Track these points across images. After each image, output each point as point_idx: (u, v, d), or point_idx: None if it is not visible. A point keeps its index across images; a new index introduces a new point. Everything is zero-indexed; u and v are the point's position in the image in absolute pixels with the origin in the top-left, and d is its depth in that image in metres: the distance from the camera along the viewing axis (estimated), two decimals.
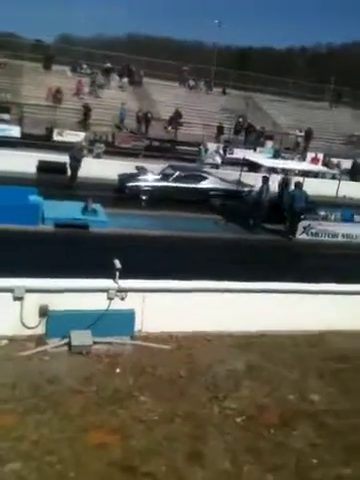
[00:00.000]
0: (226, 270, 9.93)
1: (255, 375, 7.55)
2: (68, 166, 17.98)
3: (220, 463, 5.66)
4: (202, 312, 8.39)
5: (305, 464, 5.84)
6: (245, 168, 19.23)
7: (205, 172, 19.09)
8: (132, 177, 17.89)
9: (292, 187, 16.34)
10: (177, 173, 17.86)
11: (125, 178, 17.77)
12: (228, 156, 25.72)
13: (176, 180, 17.68)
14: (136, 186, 17.35)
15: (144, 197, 17.19)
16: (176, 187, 17.45)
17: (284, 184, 17.70)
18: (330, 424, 6.61)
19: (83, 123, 26.84)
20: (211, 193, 18.01)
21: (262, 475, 5.56)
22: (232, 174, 19.67)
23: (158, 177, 17.84)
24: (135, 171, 18.79)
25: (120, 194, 17.20)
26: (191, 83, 36.55)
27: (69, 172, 18.00)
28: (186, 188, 17.59)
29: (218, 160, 24.16)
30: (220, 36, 74.60)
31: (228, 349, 8.18)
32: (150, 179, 17.70)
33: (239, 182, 18.67)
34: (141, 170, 18.82)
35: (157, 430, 6.02)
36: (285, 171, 18.78)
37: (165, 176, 17.85)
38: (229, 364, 7.73)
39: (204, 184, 18.06)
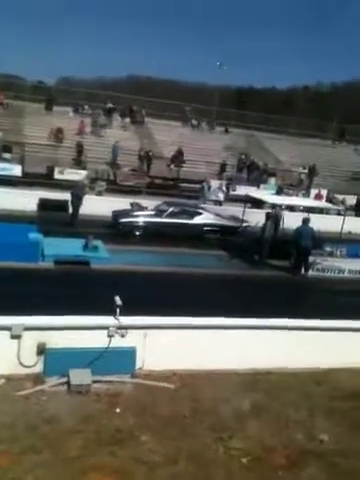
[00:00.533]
0: (231, 306, 9.75)
1: (261, 414, 7.33)
2: (70, 203, 18.04)
3: None
4: (206, 349, 8.22)
5: None
6: (248, 205, 19.22)
7: (199, 208, 19.11)
8: (125, 213, 17.92)
9: (294, 223, 16.18)
10: (171, 209, 17.90)
11: (118, 214, 17.79)
12: (231, 193, 25.83)
13: (170, 216, 17.69)
14: (129, 222, 17.36)
15: (137, 233, 17.17)
16: (170, 223, 17.43)
17: (271, 218, 17.37)
18: (340, 464, 6.37)
19: (77, 160, 27.11)
20: (205, 229, 18.03)
21: None
22: (235, 210, 19.66)
23: (152, 213, 17.89)
24: (129, 207, 18.82)
25: (114, 230, 17.15)
26: (194, 122, 37.10)
27: (70, 209, 18.04)
28: (180, 224, 17.57)
29: (221, 197, 24.25)
30: (222, 77, 76.41)
31: (233, 387, 7.96)
32: (144, 215, 17.74)
33: (234, 217, 18.72)
34: (135, 206, 18.86)
35: (160, 472, 5.80)
36: (273, 206, 18.65)
37: (159, 212, 17.89)
38: (234, 403, 7.51)
39: (198, 220, 18.06)
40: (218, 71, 48.21)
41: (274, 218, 16.74)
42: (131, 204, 19.11)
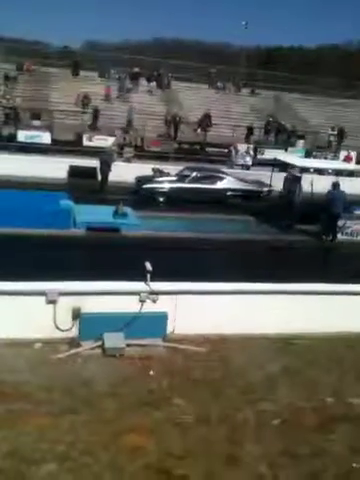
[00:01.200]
0: (260, 271, 9.82)
1: (291, 378, 7.41)
2: (98, 170, 18.11)
3: (256, 467, 5.55)
4: (236, 314, 8.28)
5: (344, 468, 5.69)
6: (276, 168, 18.99)
7: (222, 173, 18.95)
8: (148, 179, 17.91)
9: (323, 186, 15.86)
10: (193, 174, 17.87)
11: (141, 180, 17.82)
12: (259, 157, 25.51)
13: (192, 181, 17.68)
14: (152, 188, 17.40)
15: (161, 199, 17.18)
16: (192, 188, 17.45)
17: (291, 180, 16.98)
18: None
19: (92, 126, 26.71)
20: (228, 194, 17.98)
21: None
22: (263, 175, 19.46)
23: (174, 179, 17.88)
24: (151, 173, 18.80)
25: (137, 196, 17.16)
26: (219, 85, 36.40)
27: (100, 176, 18.12)
28: (202, 189, 17.58)
29: (249, 161, 23.99)
30: (248, 37, 74.33)
31: (263, 351, 8.06)
32: (166, 181, 17.72)
33: (258, 182, 18.61)
34: (157, 172, 18.83)
35: (192, 433, 5.95)
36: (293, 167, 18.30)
37: (181, 177, 17.88)
38: (265, 367, 7.61)
39: (221, 185, 18.02)
40: (244, 31, 46.97)
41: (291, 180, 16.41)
42: (153, 170, 19.07)
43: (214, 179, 18.09)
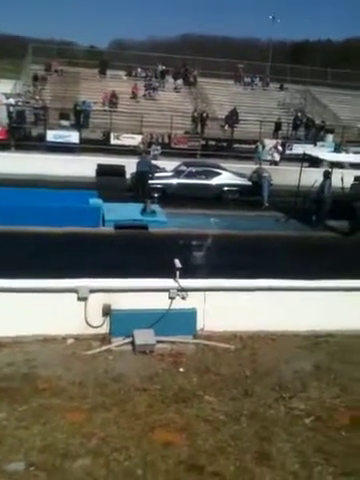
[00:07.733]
0: (290, 268, 9.73)
1: (323, 376, 7.29)
2: (136, 179, 17.50)
3: (289, 464, 5.47)
4: (266, 311, 8.23)
5: None
6: (305, 164, 18.77)
7: (219, 168, 18.72)
8: None
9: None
10: (188, 170, 17.72)
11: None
12: (287, 152, 25.28)
13: (187, 177, 17.54)
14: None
15: (156, 195, 16.95)
16: (187, 184, 17.32)
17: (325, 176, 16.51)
18: None
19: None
20: (225, 189, 17.83)
21: (335, 478, 5.35)
22: (291, 170, 19.25)
23: (170, 174, 17.79)
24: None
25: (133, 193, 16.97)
26: (247, 80, 36.18)
27: (136, 185, 17.38)
28: (198, 184, 17.45)
29: (276, 157, 23.78)
30: (275, 31, 73.71)
31: (294, 349, 7.98)
32: (161, 176, 17.60)
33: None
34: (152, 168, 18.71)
35: (223, 430, 5.92)
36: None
37: (177, 173, 17.78)
38: (295, 364, 7.53)
39: (217, 180, 17.87)
40: (271, 26, 46.55)
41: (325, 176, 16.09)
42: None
43: (210, 175, 17.93)
